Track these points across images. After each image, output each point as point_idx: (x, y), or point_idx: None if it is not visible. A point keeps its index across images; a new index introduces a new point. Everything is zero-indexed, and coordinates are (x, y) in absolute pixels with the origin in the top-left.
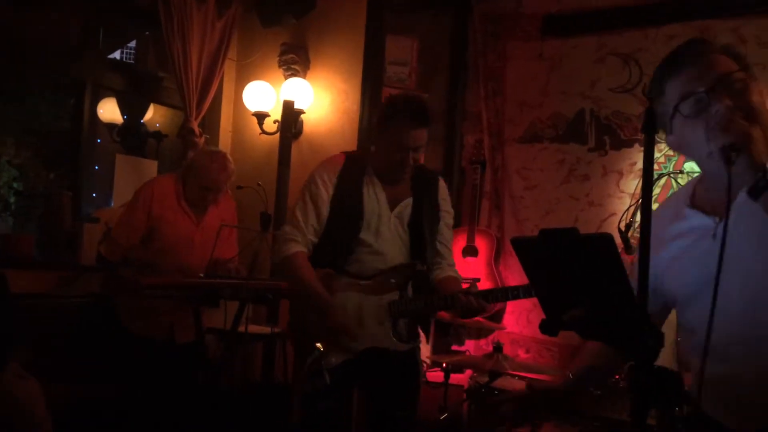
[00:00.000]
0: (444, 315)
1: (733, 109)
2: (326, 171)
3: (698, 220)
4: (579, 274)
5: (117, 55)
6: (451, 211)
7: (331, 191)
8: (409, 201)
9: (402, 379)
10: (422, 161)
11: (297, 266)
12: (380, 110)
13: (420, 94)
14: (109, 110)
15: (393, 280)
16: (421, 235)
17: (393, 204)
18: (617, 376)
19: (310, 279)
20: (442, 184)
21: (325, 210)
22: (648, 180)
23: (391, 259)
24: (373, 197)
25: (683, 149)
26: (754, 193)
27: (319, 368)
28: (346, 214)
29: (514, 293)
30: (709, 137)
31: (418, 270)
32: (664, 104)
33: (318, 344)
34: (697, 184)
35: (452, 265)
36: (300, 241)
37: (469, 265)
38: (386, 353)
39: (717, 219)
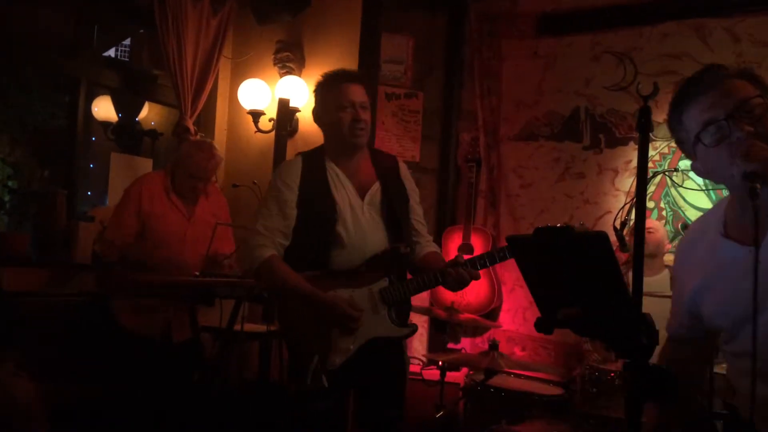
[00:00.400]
0: (440, 313)
1: (754, 135)
2: (287, 174)
3: (732, 251)
4: (574, 272)
5: (112, 53)
6: (416, 189)
7: (296, 192)
8: (377, 186)
9: (392, 372)
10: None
11: (277, 269)
12: (315, 91)
13: None
14: (103, 108)
15: (379, 268)
16: (396, 217)
17: (361, 191)
18: (612, 374)
19: (296, 279)
20: (401, 164)
21: (291, 212)
22: (642, 179)
23: (373, 247)
24: (341, 188)
25: (710, 175)
26: None
27: (320, 371)
28: (317, 211)
29: (501, 255)
30: (731, 163)
31: (402, 252)
32: (685, 131)
33: (318, 345)
34: (727, 208)
35: (430, 241)
36: (269, 245)
37: None
38: (384, 342)
39: (751, 249)
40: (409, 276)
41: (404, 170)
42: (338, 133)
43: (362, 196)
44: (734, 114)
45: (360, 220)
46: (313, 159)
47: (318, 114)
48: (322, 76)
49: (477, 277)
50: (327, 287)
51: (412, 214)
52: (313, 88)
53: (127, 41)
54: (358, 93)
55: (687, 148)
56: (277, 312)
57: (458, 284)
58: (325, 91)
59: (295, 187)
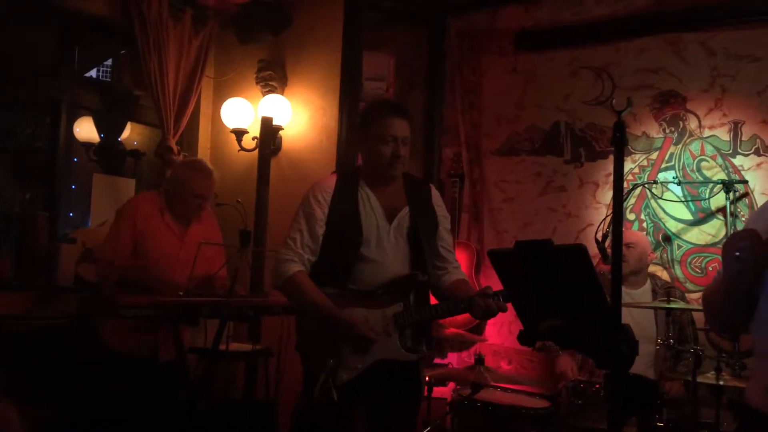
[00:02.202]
0: None
1: None
2: (320, 191)
3: None
4: (554, 284)
5: (93, 73)
6: (448, 215)
7: (326, 210)
8: (406, 211)
9: (405, 393)
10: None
11: (301, 286)
12: (360, 116)
13: None
14: (85, 129)
15: (395, 292)
16: (421, 244)
17: (390, 215)
18: (597, 386)
19: (319, 297)
20: (434, 190)
21: (319, 229)
22: (619, 191)
23: (393, 271)
24: (370, 211)
25: None
26: None
27: (329, 385)
28: (344, 230)
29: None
30: None
31: (419, 280)
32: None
33: (330, 360)
34: None
35: (458, 267)
36: (297, 260)
37: None
38: (395, 365)
39: None
40: (434, 301)
41: (436, 196)
42: (376, 164)
43: (390, 220)
44: None
45: (384, 244)
46: (348, 179)
47: (359, 139)
48: (368, 105)
49: (504, 310)
50: (343, 306)
51: (440, 240)
52: (362, 108)
53: (109, 62)
54: (402, 128)
55: None
56: (296, 326)
57: (485, 314)
58: (370, 119)
59: (326, 204)
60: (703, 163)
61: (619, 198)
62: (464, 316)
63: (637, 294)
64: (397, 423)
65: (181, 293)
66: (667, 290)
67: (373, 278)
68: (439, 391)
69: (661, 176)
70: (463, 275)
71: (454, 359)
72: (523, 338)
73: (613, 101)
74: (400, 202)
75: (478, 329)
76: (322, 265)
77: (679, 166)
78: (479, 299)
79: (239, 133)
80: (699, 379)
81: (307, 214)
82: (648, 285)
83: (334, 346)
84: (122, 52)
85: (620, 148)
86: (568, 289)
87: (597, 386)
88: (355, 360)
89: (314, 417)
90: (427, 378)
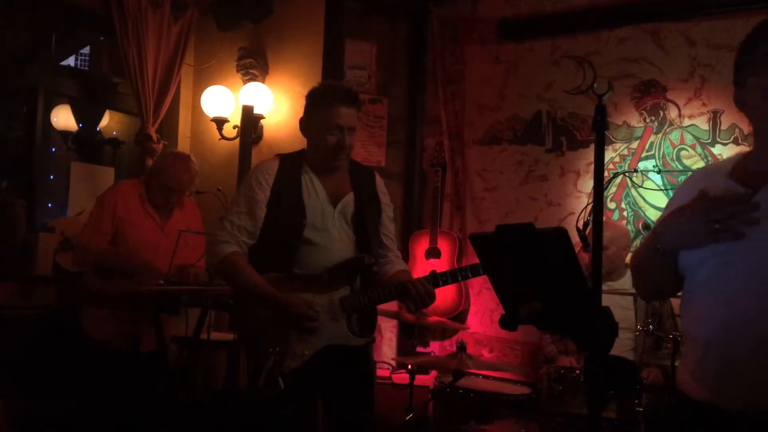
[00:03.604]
0: (408, 317)
1: None
2: (262, 173)
3: (732, 188)
4: (535, 268)
5: (71, 61)
6: (391, 204)
7: (267, 193)
8: (351, 196)
9: (358, 377)
10: (353, 145)
11: (235, 266)
12: (307, 97)
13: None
14: (63, 117)
15: (341, 276)
16: (365, 229)
17: (334, 200)
18: (577, 372)
19: (254, 278)
20: (378, 178)
21: (260, 211)
22: (600, 175)
23: (338, 255)
24: (314, 194)
25: (749, 108)
26: None
27: (274, 375)
28: (287, 213)
29: (464, 274)
30: None
31: (366, 263)
32: (752, 56)
33: (274, 348)
34: (743, 158)
35: (399, 256)
36: (232, 242)
37: (433, 266)
38: (343, 350)
39: (748, 190)
40: None
41: (380, 184)
42: (321, 151)
43: (334, 204)
44: None
45: (328, 228)
46: (291, 162)
47: (304, 125)
48: (317, 88)
49: (432, 295)
50: (288, 291)
51: (383, 228)
52: (309, 91)
53: (87, 49)
54: (350, 118)
55: (740, 75)
56: (236, 314)
57: (418, 301)
58: (315, 105)
59: (268, 187)
60: (683, 152)
61: (599, 181)
62: (446, 304)
63: (617, 285)
64: (352, 409)
65: (161, 282)
66: None
67: (318, 262)
68: (421, 379)
69: (642, 165)
70: (403, 265)
71: (436, 348)
72: (505, 322)
73: (595, 85)
74: (344, 187)
75: (461, 318)
76: (266, 249)
77: (659, 155)
78: (410, 284)
79: (220, 122)
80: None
81: (247, 196)
82: (628, 275)
83: (279, 332)
84: (101, 39)
85: (601, 131)
86: (549, 273)
87: (577, 372)
88: (302, 346)
89: (265, 409)
90: (409, 366)
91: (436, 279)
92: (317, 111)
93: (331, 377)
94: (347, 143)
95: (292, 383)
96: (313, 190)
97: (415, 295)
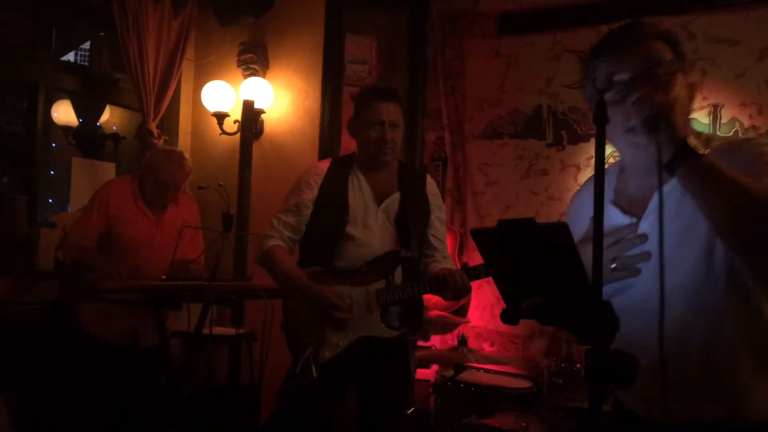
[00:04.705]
0: None
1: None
2: (312, 174)
3: (617, 219)
4: (536, 262)
5: (71, 56)
6: (442, 206)
7: (315, 191)
8: (396, 196)
9: (392, 371)
10: (399, 142)
11: (275, 258)
12: (353, 102)
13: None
14: (63, 113)
15: (379, 270)
16: (407, 229)
17: (379, 198)
18: (578, 366)
19: (291, 270)
20: (430, 180)
21: (305, 209)
22: (600, 169)
23: (378, 250)
24: (359, 192)
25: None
26: (671, 166)
27: (309, 363)
28: (331, 209)
29: (477, 273)
30: (626, 120)
31: (403, 257)
32: (592, 83)
33: (310, 339)
34: (619, 174)
35: (447, 257)
36: (276, 236)
37: None
38: (380, 342)
39: (632, 219)
40: None
41: (432, 186)
42: (366, 148)
43: (379, 203)
44: (640, 76)
45: (370, 224)
46: (342, 162)
47: (351, 126)
48: (360, 90)
49: (468, 288)
50: (329, 284)
51: (431, 229)
52: (352, 98)
53: (87, 44)
54: (392, 112)
55: (591, 101)
56: (282, 308)
57: (455, 292)
58: (359, 105)
59: (316, 187)
60: None
61: (600, 175)
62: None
63: None
64: (385, 402)
65: (164, 277)
66: None
67: (359, 257)
68: (422, 373)
69: None
70: (452, 264)
71: (437, 341)
72: (506, 317)
73: (595, 80)
74: (391, 187)
75: (462, 312)
76: (311, 243)
77: None
78: (447, 276)
79: (220, 117)
80: None
81: (296, 195)
82: None
83: (316, 324)
84: (101, 34)
85: (602, 126)
86: (550, 267)
87: (578, 366)
88: (337, 337)
89: (298, 397)
90: None
91: (469, 272)
92: (360, 111)
93: (367, 370)
94: (389, 137)
95: (327, 374)
96: (359, 188)
97: (452, 285)
